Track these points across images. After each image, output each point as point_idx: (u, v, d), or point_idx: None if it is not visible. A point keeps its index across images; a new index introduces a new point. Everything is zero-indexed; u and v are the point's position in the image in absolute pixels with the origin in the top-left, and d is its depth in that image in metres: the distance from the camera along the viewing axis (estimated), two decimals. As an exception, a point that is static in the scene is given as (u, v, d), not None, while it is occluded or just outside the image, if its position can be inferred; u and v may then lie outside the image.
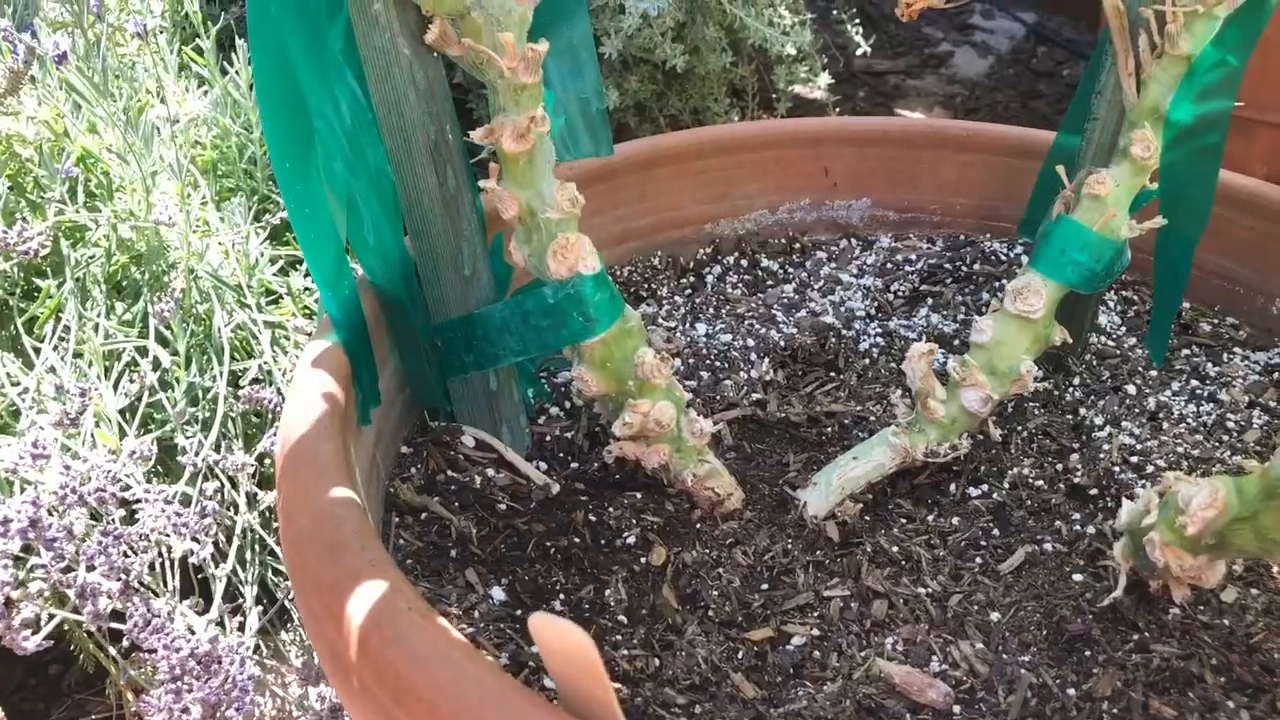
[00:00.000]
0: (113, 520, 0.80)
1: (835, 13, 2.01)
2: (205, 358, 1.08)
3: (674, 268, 0.93)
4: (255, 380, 1.06)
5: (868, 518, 0.71)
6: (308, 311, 1.21)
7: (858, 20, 2.04)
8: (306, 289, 1.20)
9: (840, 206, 0.94)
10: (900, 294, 0.90)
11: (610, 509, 0.70)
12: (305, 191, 0.64)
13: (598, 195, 0.87)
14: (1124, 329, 0.87)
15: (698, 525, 0.69)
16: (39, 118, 1.10)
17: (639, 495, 0.71)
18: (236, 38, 1.40)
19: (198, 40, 1.42)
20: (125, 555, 0.83)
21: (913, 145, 0.92)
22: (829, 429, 0.78)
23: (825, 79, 1.69)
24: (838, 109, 2.00)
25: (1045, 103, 2.33)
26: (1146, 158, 0.70)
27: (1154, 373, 0.82)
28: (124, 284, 1.11)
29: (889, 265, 0.92)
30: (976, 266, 0.91)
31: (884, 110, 2.27)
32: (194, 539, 0.84)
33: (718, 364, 0.82)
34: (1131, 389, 0.80)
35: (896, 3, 0.80)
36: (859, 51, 2.03)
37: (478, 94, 1.44)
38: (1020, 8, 2.68)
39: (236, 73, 1.23)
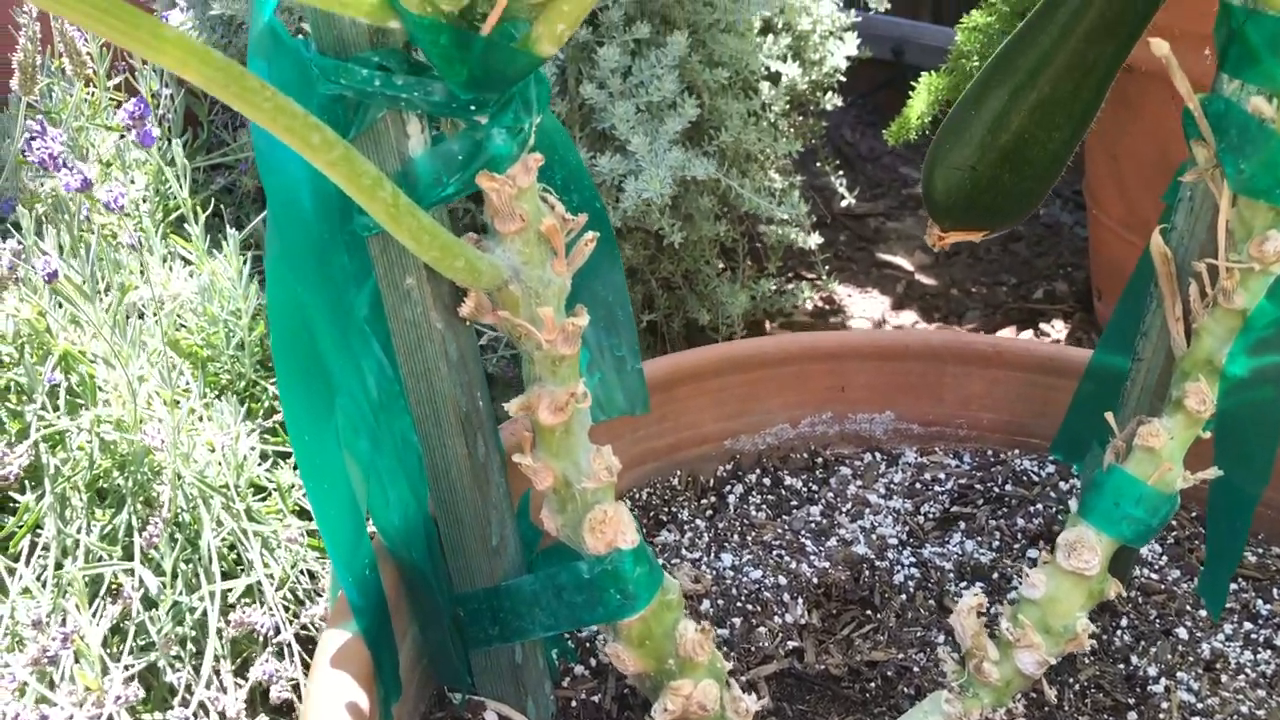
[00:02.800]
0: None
1: (819, 164, 2.01)
2: (191, 567, 1.02)
3: (694, 487, 0.89)
4: (245, 598, 1.00)
5: (923, 795, 0.66)
6: (298, 509, 1.15)
7: (841, 172, 2.05)
8: (295, 485, 1.15)
9: (863, 420, 0.91)
10: (930, 516, 0.87)
11: (648, 795, 0.64)
12: (324, 466, 0.60)
13: (618, 419, 0.83)
14: (1165, 558, 0.83)
15: (743, 813, 0.64)
16: (20, 315, 1.05)
17: (678, 778, 0.65)
18: (225, 219, 1.37)
19: (181, 217, 1.38)
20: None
21: (937, 359, 0.90)
22: (872, 683, 0.73)
23: (815, 239, 1.68)
24: (825, 261, 1.99)
25: (1025, 245, 2.34)
26: (1201, 411, 0.67)
27: (1203, 612, 0.78)
28: (105, 489, 1.06)
29: (917, 485, 0.89)
30: (1009, 487, 0.88)
31: (866, 255, 2.27)
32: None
33: (749, 606, 0.77)
34: (1183, 632, 0.77)
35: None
36: (843, 202, 2.03)
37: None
38: (993, 146, 2.71)
39: (225, 257, 1.19)
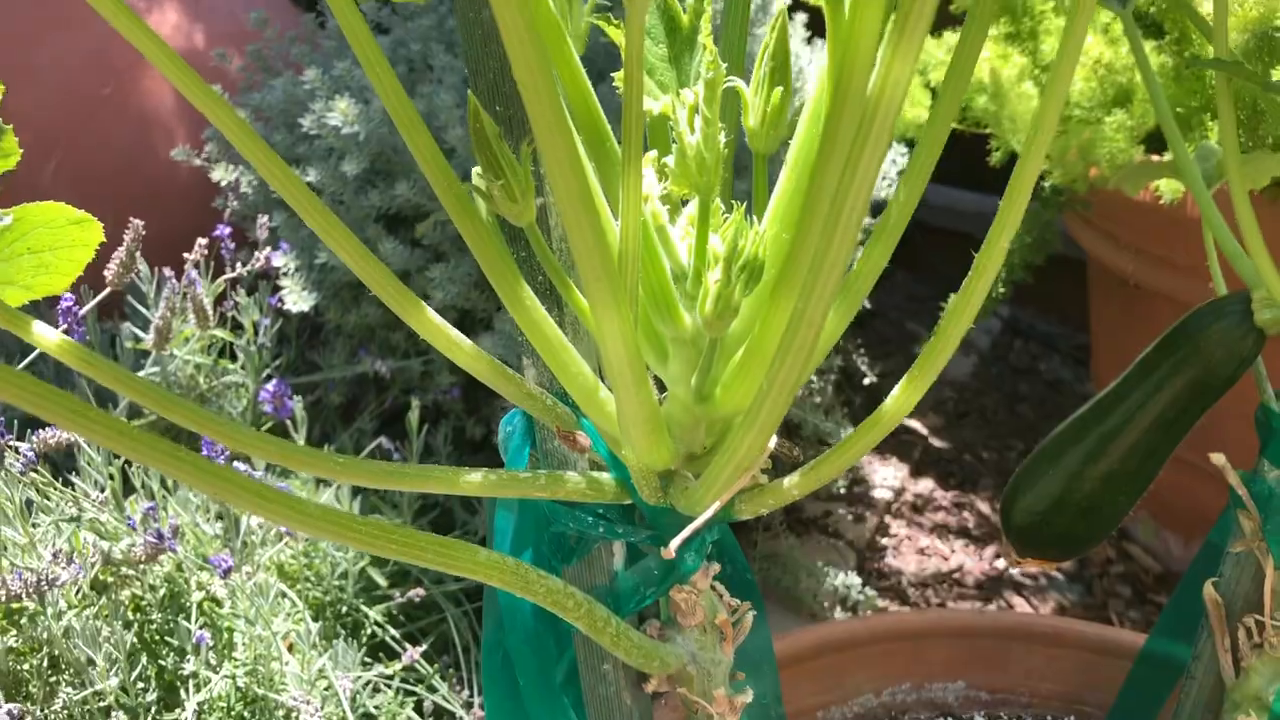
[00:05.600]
0: None
1: (842, 342, 2.15)
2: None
3: (791, 756, 1.00)
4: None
5: None
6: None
7: (862, 349, 2.19)
8: (398, 713, 1.25)
9: (937, 688, 1.03)
10: (1000, 784, 0.98)
11: None
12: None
13: (730, 706, 0.94)
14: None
15: None
16: (160, 570, 1.15)
17: None
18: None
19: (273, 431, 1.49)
20: None
21: (1004, 638, 1.02)
22: None
23: (848, 430, 1.81)
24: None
25: (1029, 405, 2.48)
26: (1252, 740, 0.79)
27: None
28: (238, 730, 1.15)
29: (988, 753, 1.00)
30: (1068, 757, 0.99)
31: (882, 417, 2.40)
32: None
33: None
34: None
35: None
36: (865, 380, 2.17)
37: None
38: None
39: (336, 498, 1.30)
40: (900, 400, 0.53)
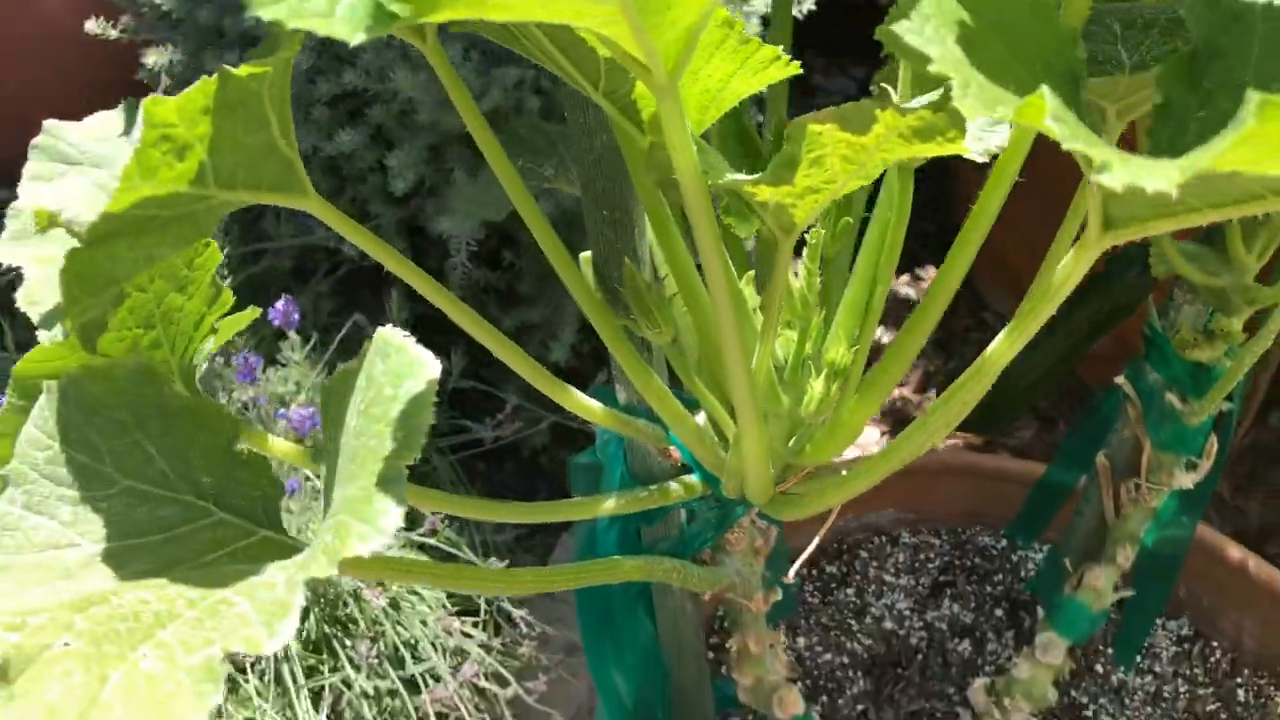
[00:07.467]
0: None
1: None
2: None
3: (765, 582, 1.24)
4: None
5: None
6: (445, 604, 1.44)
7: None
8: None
9: (873, 515, 1.28)
10: (925, 586, 1.26)
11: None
12: (611, 693, 0.93)
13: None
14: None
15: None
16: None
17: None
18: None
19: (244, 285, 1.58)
20: None
21: (926, 473, 1.26)
22: (915, 730, 1.13)
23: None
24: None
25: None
26: (1125, 565, 1.07)
27: (1110, 650, 1.21)
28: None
29: (915, 563, 1.27)
30: (977, 560, 1.27)
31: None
32: None
33: (828, 684, 1.15)
34: (1099, 669, 1.19)
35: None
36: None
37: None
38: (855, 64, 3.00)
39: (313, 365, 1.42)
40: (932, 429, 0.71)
